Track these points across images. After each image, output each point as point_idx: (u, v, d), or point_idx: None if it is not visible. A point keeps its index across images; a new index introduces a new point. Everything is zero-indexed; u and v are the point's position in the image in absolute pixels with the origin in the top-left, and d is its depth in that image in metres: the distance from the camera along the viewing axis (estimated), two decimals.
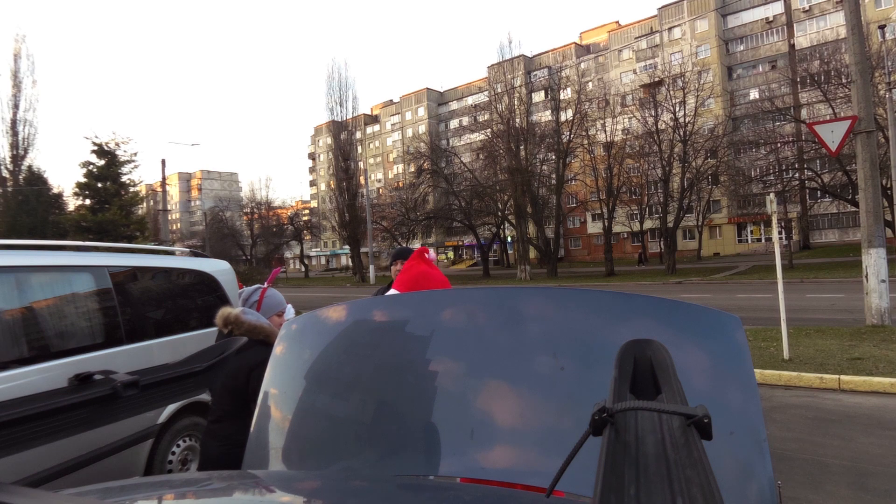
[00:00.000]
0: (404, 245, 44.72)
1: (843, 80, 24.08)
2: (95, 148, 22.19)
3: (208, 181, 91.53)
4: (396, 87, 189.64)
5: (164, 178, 23.05)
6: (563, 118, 35.11)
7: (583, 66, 50.39)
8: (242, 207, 60.80)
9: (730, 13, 46.57)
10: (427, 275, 2.28)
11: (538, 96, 50.81)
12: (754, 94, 41.98)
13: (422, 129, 64.44)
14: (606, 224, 33.06)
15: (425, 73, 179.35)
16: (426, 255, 2.34)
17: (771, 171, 30.97)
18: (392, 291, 2.27)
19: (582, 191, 40.81)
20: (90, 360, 3.13)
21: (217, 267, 4.49)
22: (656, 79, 37.37)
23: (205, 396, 3.24)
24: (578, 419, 0.84)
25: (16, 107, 27.42)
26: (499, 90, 36.26)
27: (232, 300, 4.62)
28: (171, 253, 4.89)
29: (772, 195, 7.32)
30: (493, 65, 42.65)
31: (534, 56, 52.53)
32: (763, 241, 42.83)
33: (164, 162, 22.88)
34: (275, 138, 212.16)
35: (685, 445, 0.53)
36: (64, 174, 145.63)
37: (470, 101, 60.33)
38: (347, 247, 48.29)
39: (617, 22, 56.40)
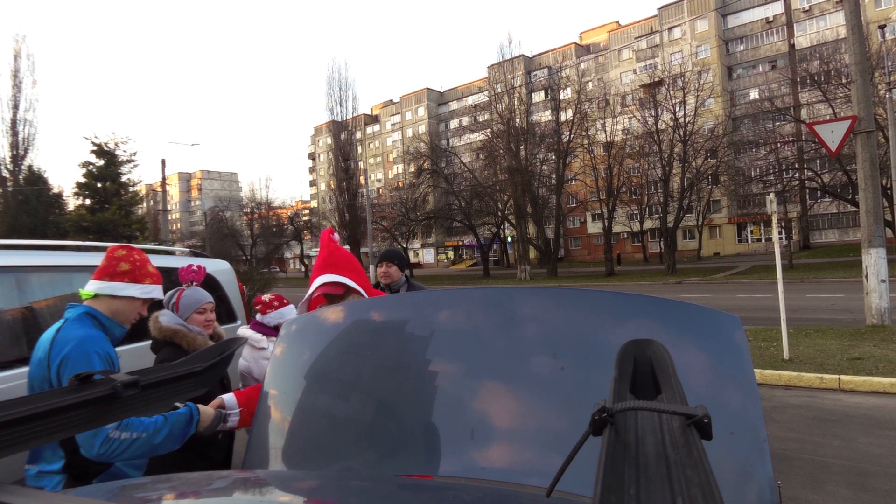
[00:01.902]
0: (405, 245, 44.78)
1: (843, 80, 24.08)
2: (95, 148, 22.13)
3: (208, 181, 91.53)
4: (396, 87, 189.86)
5: (164, 178, 23.04)
6: (563, 118, 35.13)
7: (583, 66, 50.40)
8: (242, 207, 60.77)
9: (730, 13, 46.57)
10: (352, 258, 2.17)
11: (538, 96, 50.83)
12: (754, 94, 41.97)
13: (422, 129, 64.44)
14: (606, 224, 33.08)
15: (425, 73, 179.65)
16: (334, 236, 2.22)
17: (771, 171, 30.98)
18: (328, 277, 2.00)
19: (582, 191, 40.84)
20: None
21: (217, 267, 4.49)
22: (656, 79, 37.38)
23: None
24: (578, 419, 0.84)
25: (16, 107, 27.44)
26: (499, 90, 36.27)
27: (232, 300, 4.62)
28: (171, 253, 4.89)
29: (772, 195, 7.31)
30: (493, 65, 42.67)
31: (534, 56, 52.55)
32: (763, 241, 42.83)
33: (164, 162, 22.87)
34: (275, 138, 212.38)
35: (685, 445, 0.53)
36: (64, 174, 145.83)
37: (470, 101, 60.33)
38: (347, 247, 48.25)
39: (617, 22, 56.40)
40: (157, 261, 4.10)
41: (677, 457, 0.52)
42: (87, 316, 1.86)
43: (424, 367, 1.28)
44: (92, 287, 1.90)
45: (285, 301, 3.25)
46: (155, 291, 2.01)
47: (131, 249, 2.01)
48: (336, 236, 2.25)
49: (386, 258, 3.61)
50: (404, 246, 45.02)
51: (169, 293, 2.62)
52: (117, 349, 2.01)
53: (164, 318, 2.47)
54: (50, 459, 1.75)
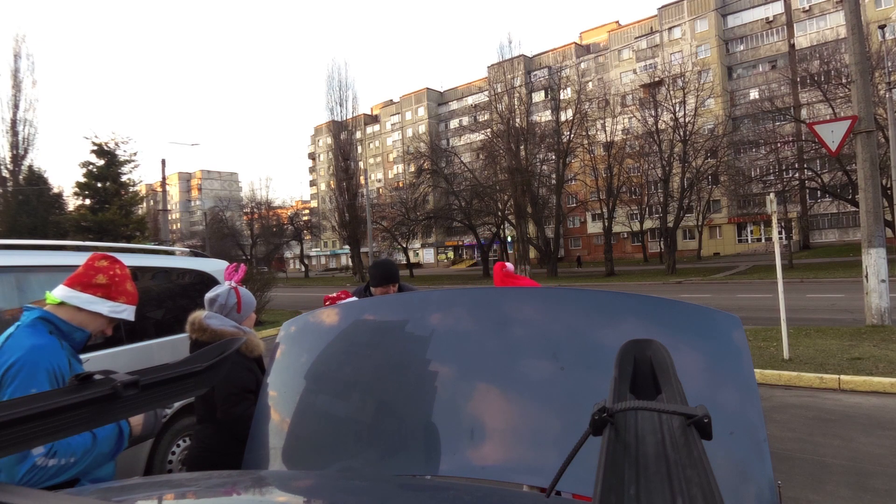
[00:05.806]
0: (405, 245, 44.72)
1: (843, 80, 24.07)
2: (95, 148, 22.09)
3: (208, 181, 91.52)
4: (396, 87, 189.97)
5: (164, 178, 23.04)
6: (563, 118, 35.14)
7: (583, 66, 50.41)
8: (242, 207, 60.74)
9: (730, 13, 46.57)
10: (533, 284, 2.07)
11: (538, 96, 50.82)
12: (754, 94, 41.97)
13: (422, 128, 64.44)
14: (606, 224, 33.08)
15: (425, 73, 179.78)
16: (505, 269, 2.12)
17: (771, 171, 30.95)
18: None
19: (582, 191, 40.84)
20: (90, 359, 3.13)
21: (217, 267, 4.49)
22: (656, 79, 37.33)
23: None
24: (578, 419, 0.84)
25: (16, 107, 27.40)
26: (499, 90, 36.27)
27: None
28: (171, 253, 4.88)
29: (772, 195, 7.31)
30: (493, 65, 42.67)
31: (534, 56, 52.53)
32: (763, 240, 42.83)
33: (164, 162, 22.87)
34: (275, 138, 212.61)
35: (685, 445, 0.53)
36: (64, 174, 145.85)
37: (470, 101, 60.33)
38: (347, 247, 48.32)
39: (617, 22, 56.40)
40: (158, 261, 4.11)
41: (677, 457, 0.52)
42: (42, 321, 1.66)
43: (424, 367, 1.27)
44: (60, 293, 1.72)
45: (351, 294, 3.27)
46: (126, 312, 1.80)
47: (114, 262, 1.81)
48: (510, 267, 2.16)
49: (390, 280, 3.16)
50: (404, 246, 45.01)
51: (222, 291, 2.39)
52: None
53: (214, 321, 2.27)
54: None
